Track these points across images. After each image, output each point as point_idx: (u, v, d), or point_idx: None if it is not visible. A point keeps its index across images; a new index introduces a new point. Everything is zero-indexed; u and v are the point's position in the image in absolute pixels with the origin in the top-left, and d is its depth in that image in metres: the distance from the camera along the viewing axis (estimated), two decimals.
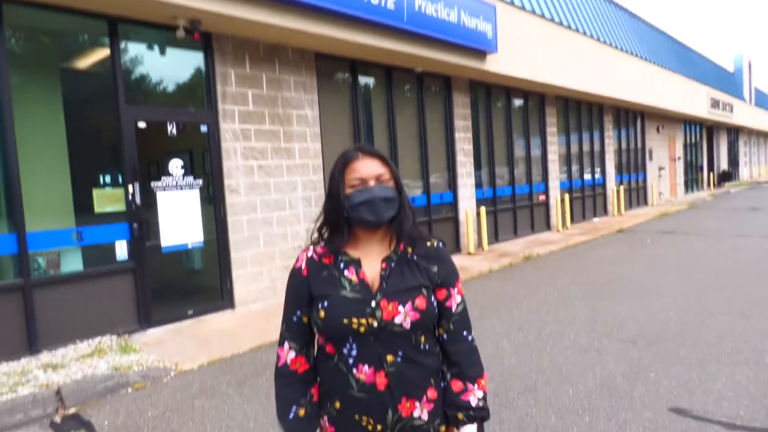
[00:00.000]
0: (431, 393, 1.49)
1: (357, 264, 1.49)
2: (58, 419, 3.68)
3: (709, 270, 7.40)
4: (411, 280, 1.47)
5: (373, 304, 1.42)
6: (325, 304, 1.45)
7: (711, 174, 25.83)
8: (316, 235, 1.58)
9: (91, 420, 3.64)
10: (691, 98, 19.73)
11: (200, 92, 6.26)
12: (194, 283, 6.89)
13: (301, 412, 1.50)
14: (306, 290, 1.50)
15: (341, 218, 1.49)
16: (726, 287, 6.37)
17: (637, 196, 17.69)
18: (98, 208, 5.37)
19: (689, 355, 4.28)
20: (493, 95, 11.00)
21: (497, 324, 5.35)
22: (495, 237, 10.82)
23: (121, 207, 5.50)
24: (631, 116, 17.22)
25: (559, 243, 10.53)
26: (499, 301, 6.30)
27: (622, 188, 15.81)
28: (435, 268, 1.51)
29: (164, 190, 5.74)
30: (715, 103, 22.55)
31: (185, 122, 6.08)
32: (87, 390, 3.98)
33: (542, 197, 12.49)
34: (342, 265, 1.49)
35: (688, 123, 22.62)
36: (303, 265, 1.54)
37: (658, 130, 19.10)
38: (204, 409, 3.72)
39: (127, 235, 5.51)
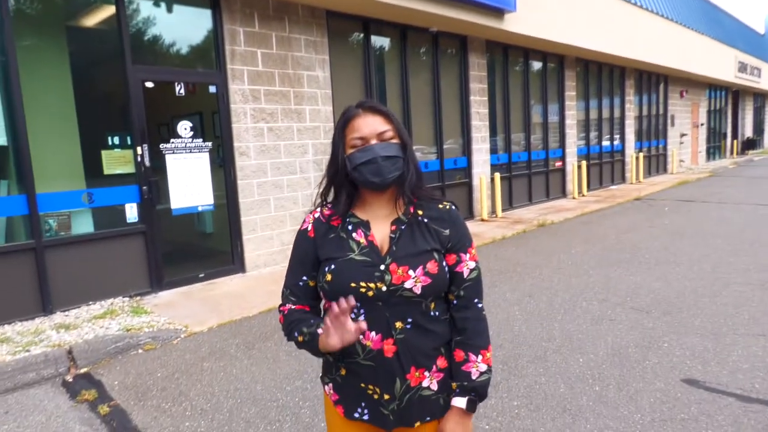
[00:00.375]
0: (441, 362, 1.43)
1: (366, 226, 1.42)
2: (69, 378, 3.74)
3: (727, 239, 7.22)
4: (422, 244, 1.40)
5: (382, 267, 1.36)
6: (332, 266, 1.39)
7: (735, 141, 25.10)
8: (319, 200, 1.51)
9: (101, 379, 3.69)
10: (717, 61, 18.98)
11: (208, 52, 6.11)
12: (205, 247, 6.91)
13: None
14: (313, 253, 1.45)
15: (344, 180, 1.43)
16: (744, 257, 6.21)
17: (656, 163, 17.29)
18: (108, 170, 5.34)
19: (704, 325, 4.19)
20: (511, 57, 10.65)
21: (509, 291, 5.29)
22: (509, 203, 10.68)
23: (130, 169, 5.47)
24: (653, 80, 16.66)
25: (574, 210, 10.37)
26: (511, 268, 6.23)
27: (641, 155, 15.44)
28: (447, 232, 1.44)
29: (173, 152, 5.68)
30: (742, 67, 21.67)
31: (194, 83, 5.97)
32: (98, 350, 4.03)
33: (558, 163, 12.24)
34: (350, 228, 1.43)
35: (713, 88, 21.84)
36: (310, 227, 1.48)
37: (681, 95, 18.48)
38: (213, 371, 3.75)
39: (137, 197, 5.49)
